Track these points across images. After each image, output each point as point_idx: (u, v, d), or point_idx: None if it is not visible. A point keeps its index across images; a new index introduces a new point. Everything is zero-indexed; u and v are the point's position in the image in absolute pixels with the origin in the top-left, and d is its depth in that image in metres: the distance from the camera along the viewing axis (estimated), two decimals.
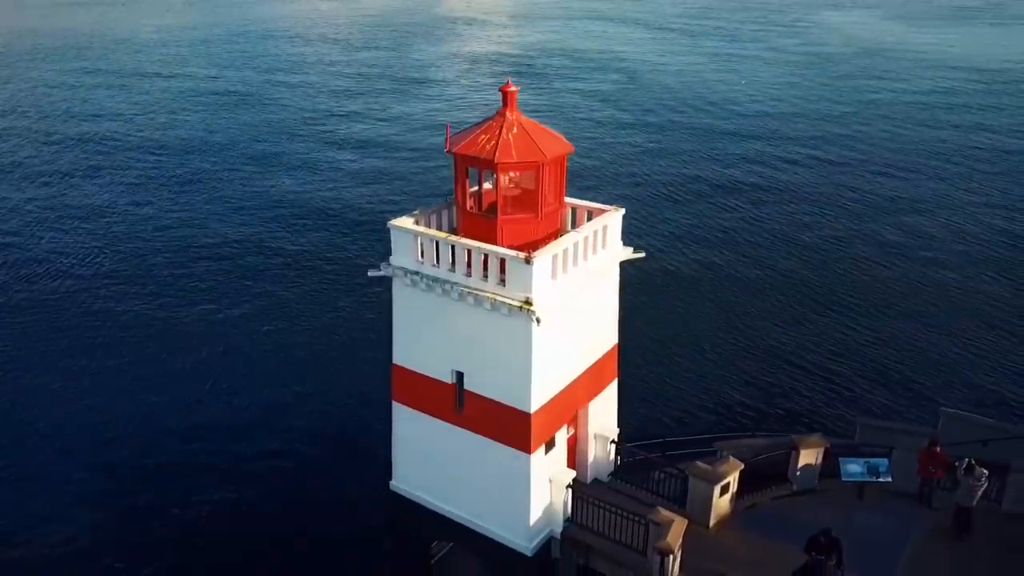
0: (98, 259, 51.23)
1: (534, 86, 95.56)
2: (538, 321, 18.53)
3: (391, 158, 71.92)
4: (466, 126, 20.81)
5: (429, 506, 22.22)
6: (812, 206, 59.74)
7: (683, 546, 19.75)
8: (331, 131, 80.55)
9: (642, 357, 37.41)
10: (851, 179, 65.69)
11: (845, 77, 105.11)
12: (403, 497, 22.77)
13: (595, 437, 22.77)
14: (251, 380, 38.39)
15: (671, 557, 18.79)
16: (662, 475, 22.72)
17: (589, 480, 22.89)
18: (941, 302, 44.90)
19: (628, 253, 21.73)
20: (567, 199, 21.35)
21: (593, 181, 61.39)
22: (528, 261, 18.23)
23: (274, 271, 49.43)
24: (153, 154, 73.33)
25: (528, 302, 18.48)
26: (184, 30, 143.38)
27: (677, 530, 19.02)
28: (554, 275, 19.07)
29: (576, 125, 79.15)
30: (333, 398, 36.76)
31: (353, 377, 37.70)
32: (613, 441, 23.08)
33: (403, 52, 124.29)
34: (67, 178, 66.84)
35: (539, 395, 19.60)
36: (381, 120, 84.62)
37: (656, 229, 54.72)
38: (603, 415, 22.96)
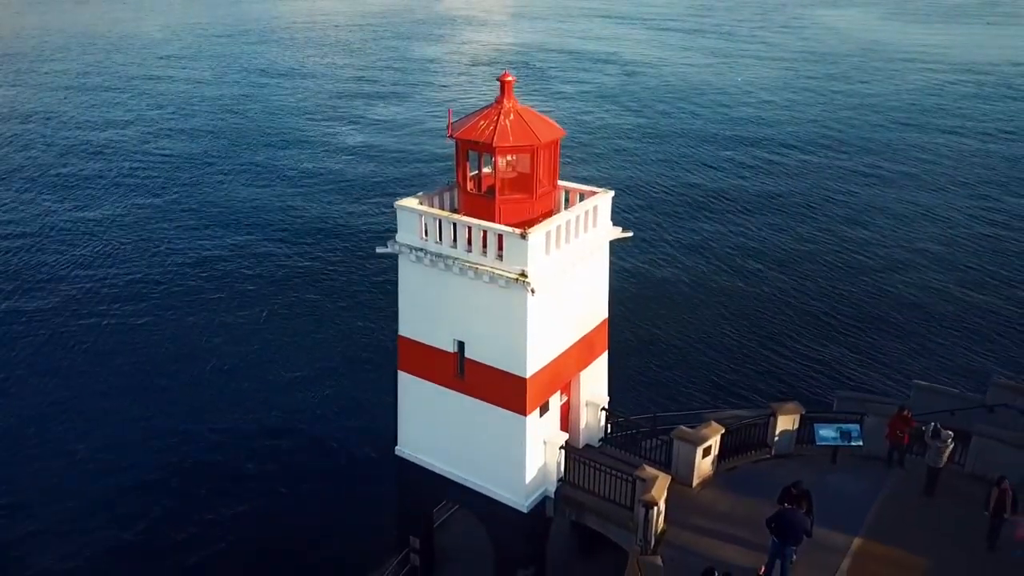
0: (102, 251, 52.85)
1: (532, 83, 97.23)
2: (533, 292, 20.14)
3: (392, 151, 73.89)
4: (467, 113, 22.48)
5: (432, 468, 23.80)
6: (795, 195, 62.44)
7: (668, 502, 21.41)
8: (334, 127, 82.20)
9: (632, 336, 39.50)
10: (836, 170, 68.45)
11: (838, 75, 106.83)
12: (408, 461, 24.37)
13: (587, 405, 24.39)
14: (264, 359, 40.49)
15: (655, 509, 20.41)
16: (650, 442, 24.39)
17: (581, 445, 24.46)
18: (914, 286, 47.47)
19: (617, 232, 23.33)
20: (560, 182, 23.00)
21: (589, 171, 63.53)
22: (524, 236, 19.84)
23: (282, 259, 51.33)
24: (160, 150, 74.94)
25: (523, 274, 20.07)
26: (187, 28, 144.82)
27: (661, 485, 20.64)
28: (548, 250, 20.67)
29: (573, 120, 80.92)
30: (342, 372, 38.86)
31: (360, 352, 39.90)
32: (604, 408, 24.72)
33: (404, 50, 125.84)
34: (71, 177, 67.82)
35: (534, 361, 21.20)
36: (382, 116, 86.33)
37: (645, 213, 57.46)
38: (594, 384, 24.57)
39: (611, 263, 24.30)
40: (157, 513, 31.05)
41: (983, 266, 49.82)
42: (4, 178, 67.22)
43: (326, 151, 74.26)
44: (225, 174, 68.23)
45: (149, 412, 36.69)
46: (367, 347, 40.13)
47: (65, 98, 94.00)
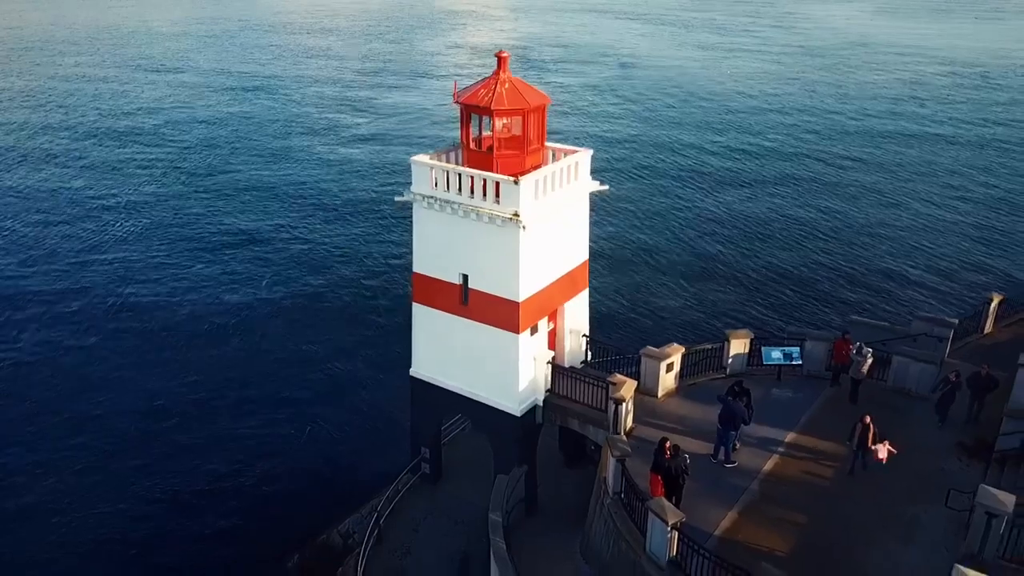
0: (118, 234, 57.19)
1: (531, 75, 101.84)
2: (524, 228, 24.63)
3: (399, 129, 79.51)
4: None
5: (441, 385, 28.27)
6: (758, 166, 70.35)
7: (635, 407, 25.92)
8: (345, 111, 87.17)
9: (611, 279, 46.87)
10: (801, 143, 76.18)
11: (825, 67, 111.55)
12: (420, 380, 28.87)
13: (571, 332, 28.88)
14: (292, 303, 46.60)
15: (624, 406, 24.89)
16: (624, 364, 28.86)
17: (566, 367, 28.96)
18: (854, 242, 55.27)
19: (596, 185, 27.82)
20: (548, 143, 27.49)
21: (578, 139, 70.01)
22: (516, 182, 24.33)
23: (304, 223, 57.42)
24: (178, 137, 79.52)
25: (516, 214, 24.54)
26: (193, 23, 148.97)
27: (629, 386, 25.13)
28: (536, 195, 25.15)
29: (568, 103, 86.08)
30: (362, 310, 44.71)
31: (378, 292, 45.95)
32: (585, 336, 29.23)
33: (406, 43, 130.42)
34: (84, 168, 70.91)
35: (525, 288, 25.67)
36: (388, 101, 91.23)
37: (627, 175, 65.92)
38: (577, 315, 29.05)
39: (593, 216, 28.81)
40: (203, 442, 35.86)
41: (911, 230, 57.53)
42: (9, 170, 69.87)
43: (338, 130, 79.78)
44: (240, 157, 72.94)
45: (187, 352, 41.73)
46: (383, 288, 45.83)
47: (73, 91, 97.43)
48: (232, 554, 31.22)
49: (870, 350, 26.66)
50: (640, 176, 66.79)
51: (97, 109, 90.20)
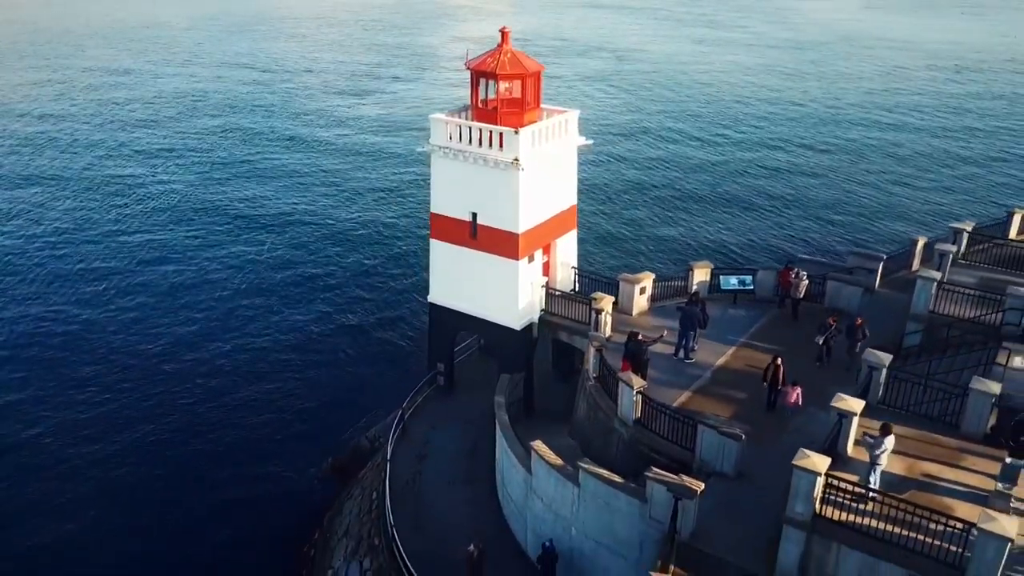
0: (136, 217, 62.24)
1: None
2: (523, 170, 30.35)
3: (404, 113, 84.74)
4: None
5: (455, 308, 33.99)
6: (736, 137, 79.59)
7: (613, 322, 31.61)
8: (350, 105, 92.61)
9: (597, 223, 54.79)
10: (771, 118, 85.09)
11: (814, 61, 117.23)
12: (437, 305, 34.61)
13: (562, 264, 34.63)
14: (329, 241, 53.52)
15: (603, 316, 30.62)
16: (605, 289, 34.57)
17: (558, 295, 34.68)
18: (805, 198, 64.75)
19: (582, 140, 33.55)
20: (543, 105, 33.21)
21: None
22: (517, 132, 30.06)
23: (330, 189, 63.78)
24: (198, 124, 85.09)
25: (516, 159, 30.27)
26: (201, 18, 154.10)
27: (608, 300, 30.87)
28: (533, 144, 30.84)
29: (563, 89, 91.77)
30: (385, 250, 51.04)
31: (399, 234, 52.31)
32: (574, 267, 34.97)
33: (411, 38, 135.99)
34: (96, 162, 74.40)
35: (524, 222, 31.37)
36: (395, 91, 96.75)
37: (617, 146, 73.35)
38: (567, 250, 34.79)
39: (582, 169, 34.52)
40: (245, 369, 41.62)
41: (855, 187, 67.36)
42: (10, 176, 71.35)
43: (348, 111, 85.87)
44: (257, 145, 78.61)
45: (220, 301, 47.42)
46: (402, 234, 52.55)
47: (81, 92, 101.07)
48: (275, 460, 36.98)
49: (805, 273, 32.43)
50: (626, 141, 75.73)
51: (103, 105, 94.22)
